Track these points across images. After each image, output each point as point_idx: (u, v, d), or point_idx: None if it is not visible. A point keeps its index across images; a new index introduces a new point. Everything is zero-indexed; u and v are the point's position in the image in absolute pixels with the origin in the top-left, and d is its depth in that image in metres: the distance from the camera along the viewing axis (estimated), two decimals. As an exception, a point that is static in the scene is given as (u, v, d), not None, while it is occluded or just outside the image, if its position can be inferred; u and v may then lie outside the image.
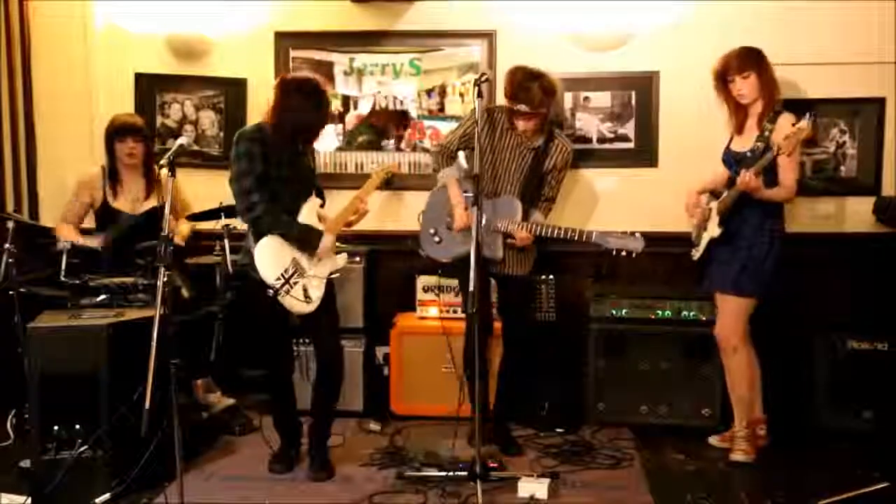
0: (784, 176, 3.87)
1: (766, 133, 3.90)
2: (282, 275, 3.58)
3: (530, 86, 3.87)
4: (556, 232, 3.92)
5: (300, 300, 3.62)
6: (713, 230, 4.01)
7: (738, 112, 4.03)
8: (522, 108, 3.90)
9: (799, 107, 4.52)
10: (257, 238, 3.61)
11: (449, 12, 4.81)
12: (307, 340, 4.28)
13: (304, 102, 3.62)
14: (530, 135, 4.02)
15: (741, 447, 3.99)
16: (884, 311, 4.41)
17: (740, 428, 4.01)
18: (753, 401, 4.09)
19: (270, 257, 3.60)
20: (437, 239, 4.14)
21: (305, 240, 3.67)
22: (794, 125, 3.73)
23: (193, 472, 3.80)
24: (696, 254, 4.15)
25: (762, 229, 3.91)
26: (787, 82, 4.52)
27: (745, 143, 3.99)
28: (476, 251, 3.49)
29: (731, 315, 3.99)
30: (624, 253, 3.82)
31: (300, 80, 3.70)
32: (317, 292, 3.69)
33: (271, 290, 3.54)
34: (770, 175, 3.85)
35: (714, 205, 4.05)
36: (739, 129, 4.04)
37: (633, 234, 3.85)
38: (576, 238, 3.91)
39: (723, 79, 4.01)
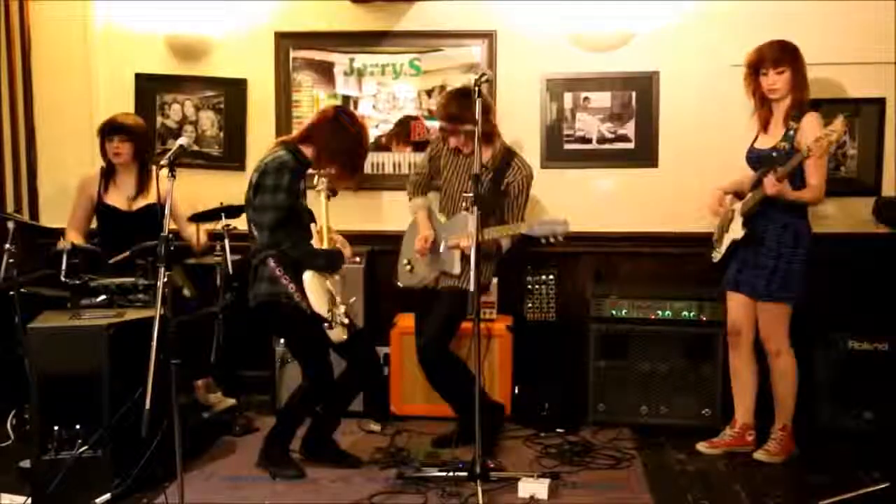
0: (811, 177, 3.79)
1: (791, 132, 3.84)
2: (329, 308, 3.63)
3: (447, 103, 4.01)
4: (491, 234, 3.89)
5: (343, 328, 3.68)
6: (736, 231, 3.96)
7: (764, 107, 3.95)
8: (442, 124, 4.02)
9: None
10: (291, 270, 3.62)
11: (449, 12, 4.80)
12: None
13: (357, 140, 3.79)
14: (468, 152, 4.00)
15: (769, 447, 3.97)
16: (884, 311, 4.41)
17: (776, 429, 4.00)
18: (750, 406, 4.10)
19: (319, 291, 3.64)
20: (409, 268, 4.23)
21: (331, 265, 3.73)
22: (826, 126, 3.62)
23: (194, 472, 3.80)
24: (717, 256, 4.10)
25: (787, 231, 3.85)
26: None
27: (769, 141, 3.93)
28: (476, 252, 3.49)
29: (771, 322, 3.94)
30: (553, 240, 3.76)
31: (355, 116, 3.95)
32: (346, 319, 3.73)
33: (326, 324, 3.61)
34: (797, 176, 3.78)
35: (737, 206, 4.01)
36: (765, 125, 3.97)
37: (561, 220, 3.78)
38: (511, 234, 3.89)
39: (755, 70, 3.92)
